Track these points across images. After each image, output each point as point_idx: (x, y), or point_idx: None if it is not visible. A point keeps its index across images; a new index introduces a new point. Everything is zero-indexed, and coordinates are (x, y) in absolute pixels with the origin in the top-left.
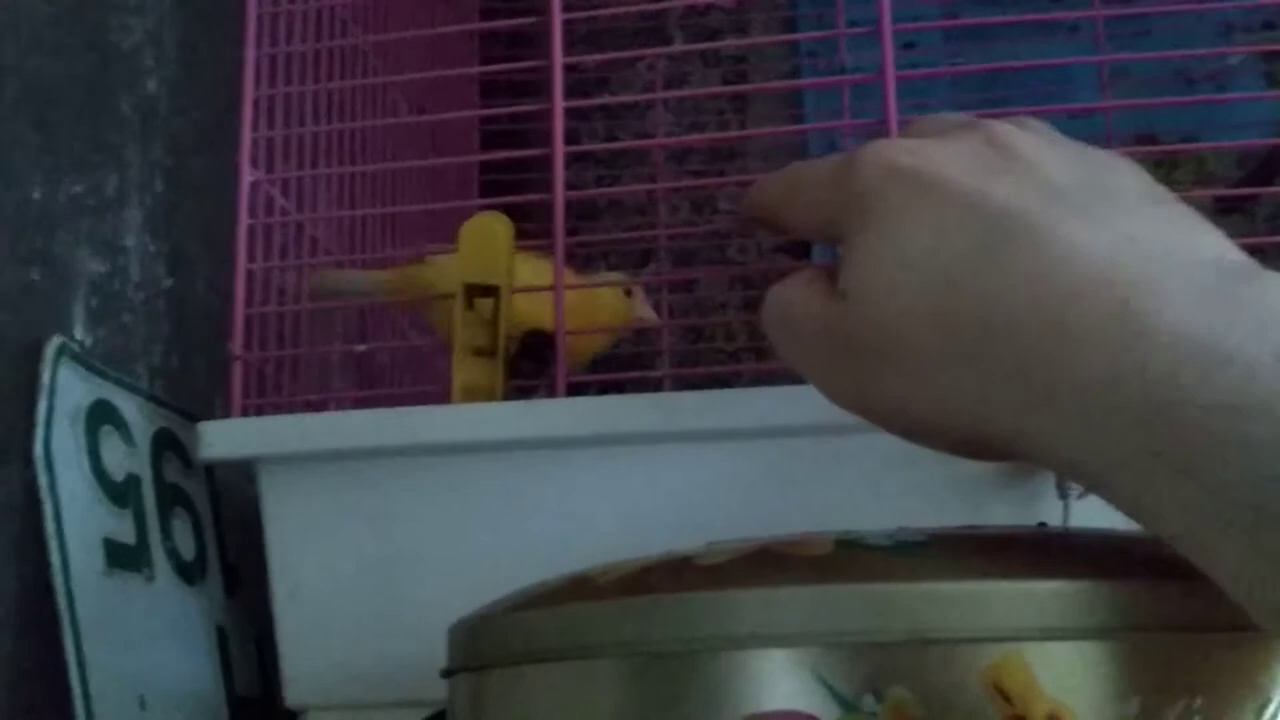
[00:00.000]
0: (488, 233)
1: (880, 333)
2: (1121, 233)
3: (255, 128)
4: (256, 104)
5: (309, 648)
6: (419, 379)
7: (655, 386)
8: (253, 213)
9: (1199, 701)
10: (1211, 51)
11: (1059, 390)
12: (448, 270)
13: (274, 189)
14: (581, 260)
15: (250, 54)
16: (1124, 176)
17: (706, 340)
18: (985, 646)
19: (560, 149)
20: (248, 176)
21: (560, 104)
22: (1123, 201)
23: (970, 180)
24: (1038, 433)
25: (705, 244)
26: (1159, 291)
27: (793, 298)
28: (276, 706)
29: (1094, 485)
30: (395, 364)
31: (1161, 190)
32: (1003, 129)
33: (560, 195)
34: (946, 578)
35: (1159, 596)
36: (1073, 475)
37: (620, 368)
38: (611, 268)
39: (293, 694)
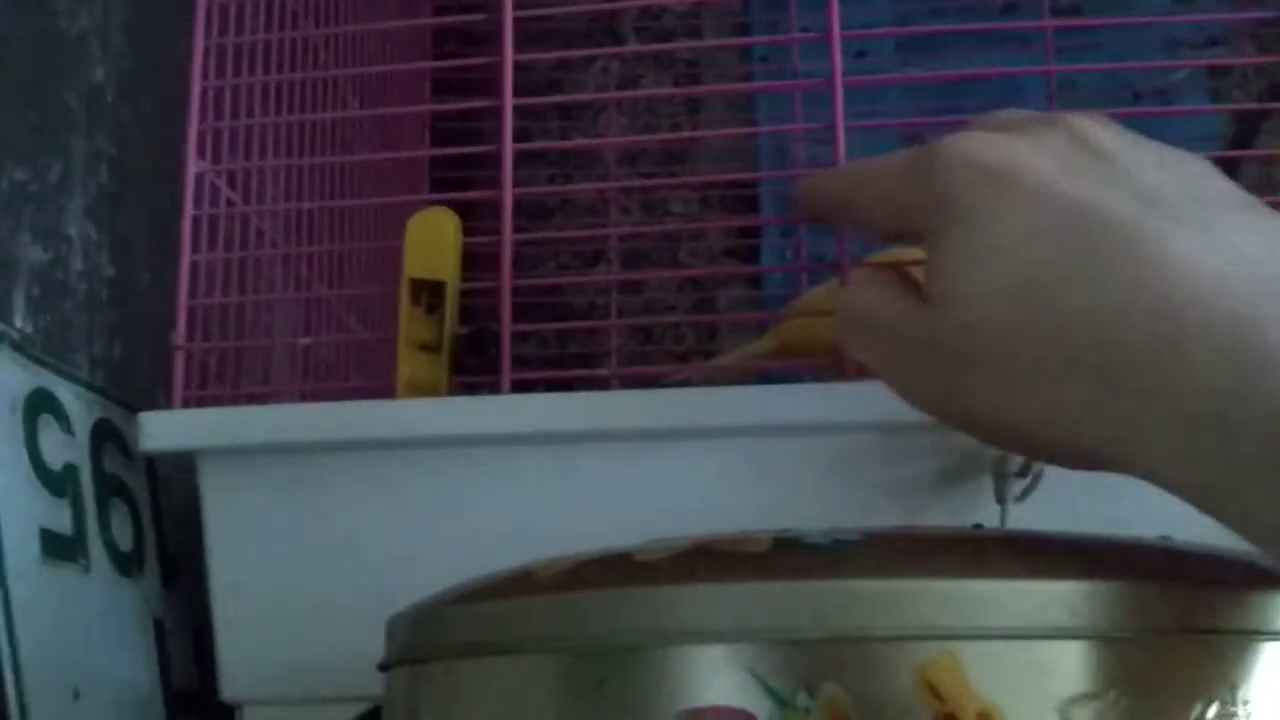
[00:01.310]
0: (435, 228)
1: (968, 339)
2: (1222, 240)
3: (202, 118)
4: (204, 95)
5: (247, 641)
6: (365, 373)
7: (604, 386)
8: (198, 204)
9: (1126, 701)
10: (1157, 64)
11: (1167, 404)
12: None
13: (220, 180)
14: (531, 260)
15: (198, 44)
16: (1212, 179)
17: (655, 342)
18: (917, 645)
19: (509, 146)
20: (193, 167)
21: (510, 101)
22: (1216, 206)
23: (1063, 182)
24: (1139, 446)
25: (656, 246)
26: (1265, 301)
27: (871, 300)
28: (214, 700)
29: (1200, 499)
30: (341, 358)
31: (1247, 194)
32: (1085, 126)
33: (509, 193)
34: (880, 576)
35: (1091, 597)
36: (1176, 488)
37: (569, 367)
38: (563, 267)
39: (230, 688)
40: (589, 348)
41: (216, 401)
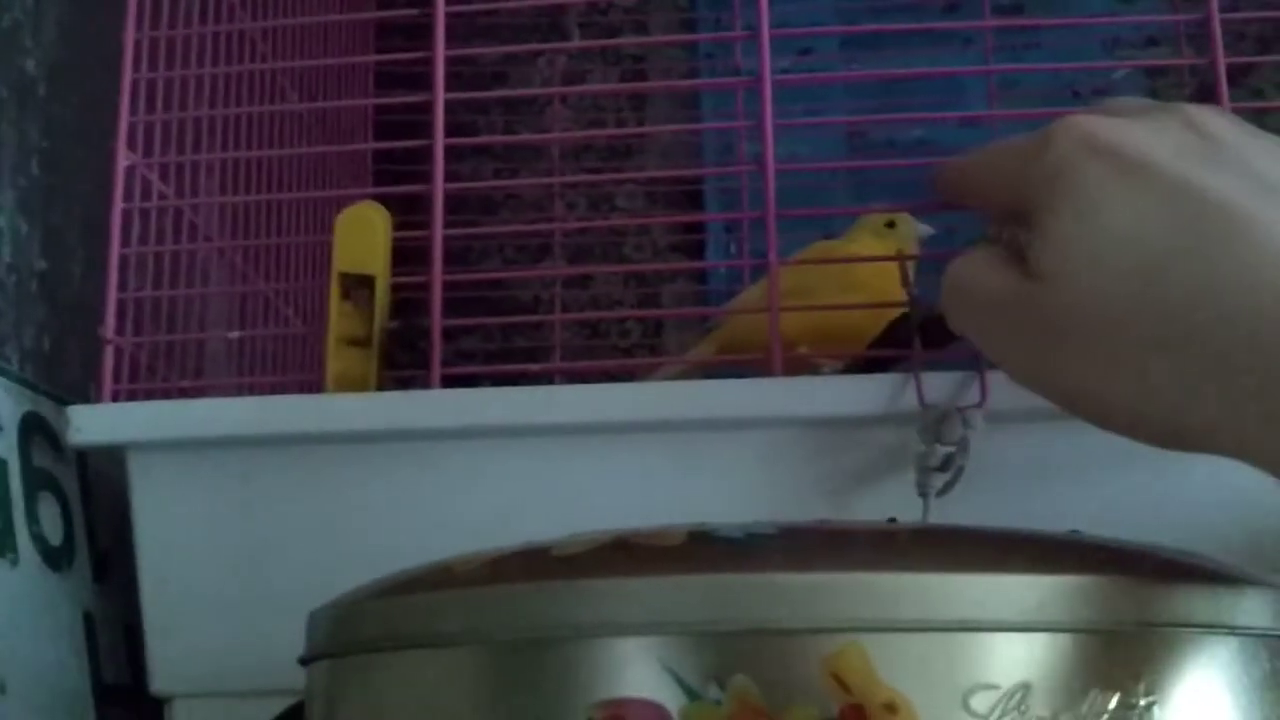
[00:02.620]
0: (364, 222)
1: (1075, 314)
2: None
3: (134, 111)
4: (136, 87)
5: (176, 635)
6: (305, 368)
7: (548, 381)
8: (128, 197)
9: (1036, 693)
10: (1097, 65)
11: (1271, 387)
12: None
13: (152, 173)
14: (478, 254)
15: (129, 36)
16: None
17: (601, 336)
18: (825, 637)
19: (440, 141)
20: (123, 160)
21: (441, 96)
22: None
23: (1179, 165)
24: (1244, 427)
25: (601, 241)
26: None
27: (976, 274)
28: (145, 695)
29: None
30: (280, 353)
31: None
32: (1201, 114)
33: (439, 187)
34: (789, 569)
35: (995, 589)
36: (1276, 470)
37: (516, 362)
38: (509, 262)
39: (158, 682)
40: (535, 342)
41: (148, 395)
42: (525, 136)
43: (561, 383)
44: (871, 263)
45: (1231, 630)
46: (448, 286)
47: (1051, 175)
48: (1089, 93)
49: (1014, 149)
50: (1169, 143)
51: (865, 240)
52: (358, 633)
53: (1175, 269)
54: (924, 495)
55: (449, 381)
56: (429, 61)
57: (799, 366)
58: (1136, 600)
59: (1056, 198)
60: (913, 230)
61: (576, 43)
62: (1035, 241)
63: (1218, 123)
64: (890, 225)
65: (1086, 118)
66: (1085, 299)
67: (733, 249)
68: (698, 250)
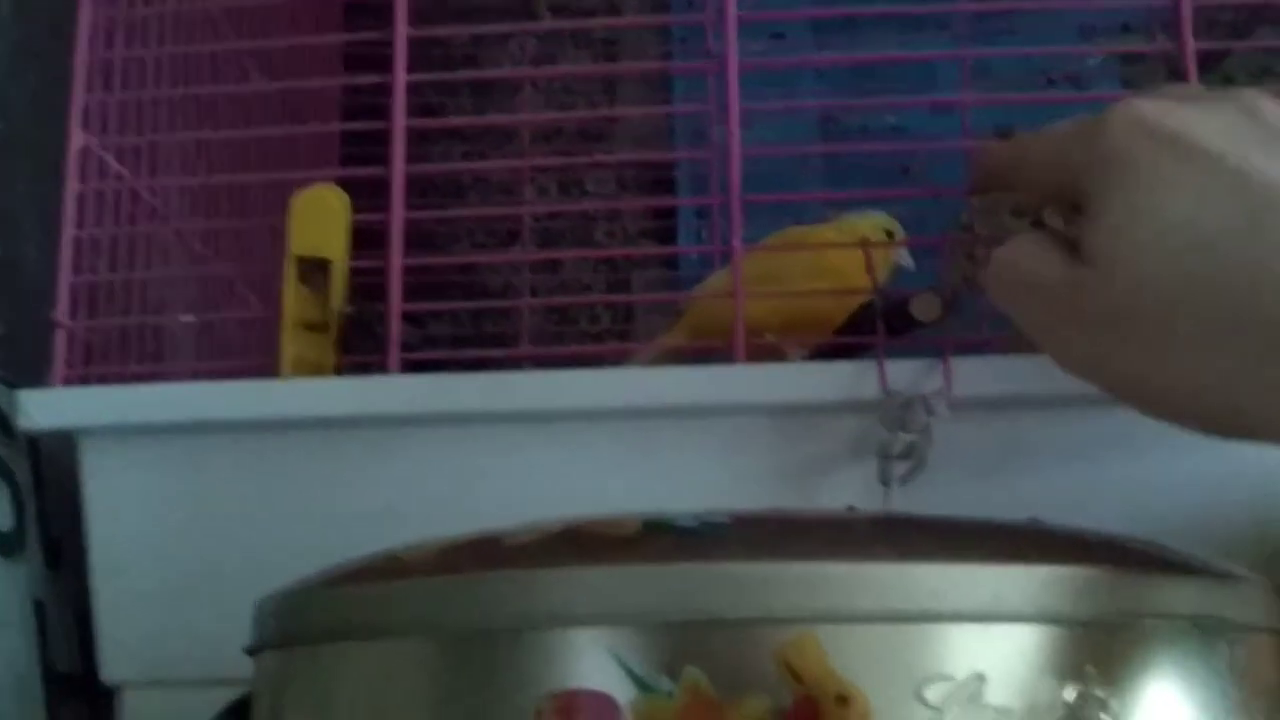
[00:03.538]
0: (321, 205)
1: (1128, 301)
2: None
3: (90, 91)
4: (92, 67)
5: (127, 623)
6: (268, 354)
7: (514, 367)
8: (84, 178)
9: (991, 684)
10: (1072, 50)
11: None
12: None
13: (108, 155)
14: (445, 239)
15: (84, 16)
16: None
17: (571, 323)
18: (778, 627)
19: (401, 122)
20: (78, 141)
21: (402, 78)
22: None
23: (1236, 150)
24: None
25: (572, 226)
26: None
27: (1025, 260)
28: (96, 684)
29: None
30: (244, 338)
31: None
32: (1256, 101)
33: (400, 170)
34: (742, 559)
35: (951, 579)
36: None
37: (485, 348)
38: (477, 245)
39: (109, 670)
40: (504, 328)
41: (103, 380)
42: (490, 119)
43: (529, 369)
44: (841, 250)
45: (1192, 621)
46: (416, 271)
47: (1106, 160)
48: (1062, 80)
49: (1066, 133)
50: (1225, 128)
51: (846, 229)
52: (305, 623)
53: (1232, 254)
54: (886, 483)
55: (409, 367)
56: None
57: (765, 353)
58: (1095, 590)
59: (1111, 182)
60: (890, 230)
61: (547, 23)
62: (1088, 226)
63: (1274, 108)
64: (889, 234)
65: (1142, 101)
66: (1140, 285)
67: (704, 235)
68: (669, 237)
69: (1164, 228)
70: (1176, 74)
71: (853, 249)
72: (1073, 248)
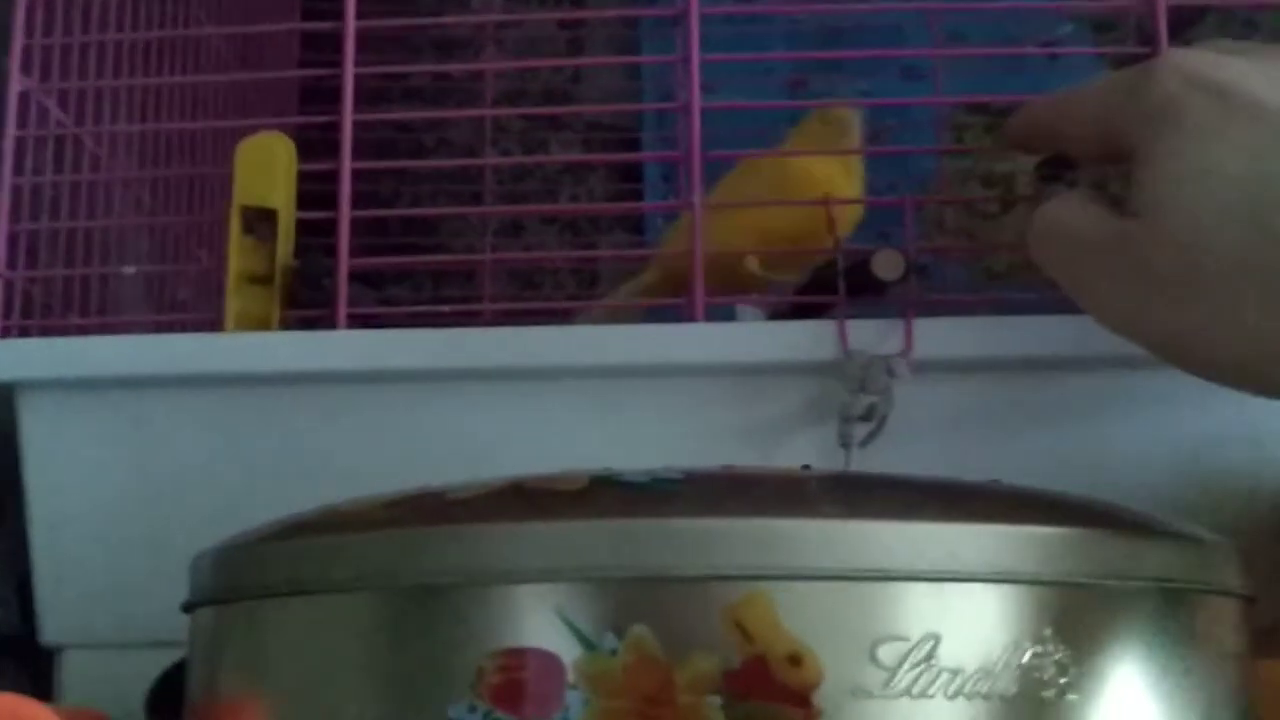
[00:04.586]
0: (265, 153)
1: (1177, 253)
2: None
3: (30, 34)
4: (33, 8)
5: (67, 583)
6: (218, 308)
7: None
8: (23, 124)
9: (946, 645)
10: (1046, 5)
11: None
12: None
13: (50, 100)
14: (408, 200)
15: None
16: None
17: (535, 287)
18: (727, 585)
19: (350, 72)
20: (17, 85)
21: (352, 25)
22: None
23: None
24: None
25: (536, 189)
26: None
27: (1068, 216)
28: (37, 646)
29: None
30: (195, 293)
31: None
32: None
33: (348, 120)
34: (690, 515)
35: (904, 538)
36: None
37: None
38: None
39: (49, 631)
40: (466, 292)
41: (44, 333)
42: (447, 67)
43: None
44: (806, 159)
45: (1152, 582)
46: (375, 233)
47: (1154, 112)
48: (1035, 45)
49: (1109, 89)
50: (1275, 78)
51: (801, 142)
52: (242, 578)
53: None
54: (846, 445)
55: (360, 324)
56: None
57: (746, 280)
58: (1052, 550)
59: (1160, 135)
60: (845, 122)
61: None
62: (1138, 181)
63: None
64: (824, 121)
65: (1189, 52)
66: (1189, 239)
67: (671, 199)
68: (636, 200)
69: (1215, 181)
70: (1147, 36)
71: (821, 159)
72: (1115, 204)
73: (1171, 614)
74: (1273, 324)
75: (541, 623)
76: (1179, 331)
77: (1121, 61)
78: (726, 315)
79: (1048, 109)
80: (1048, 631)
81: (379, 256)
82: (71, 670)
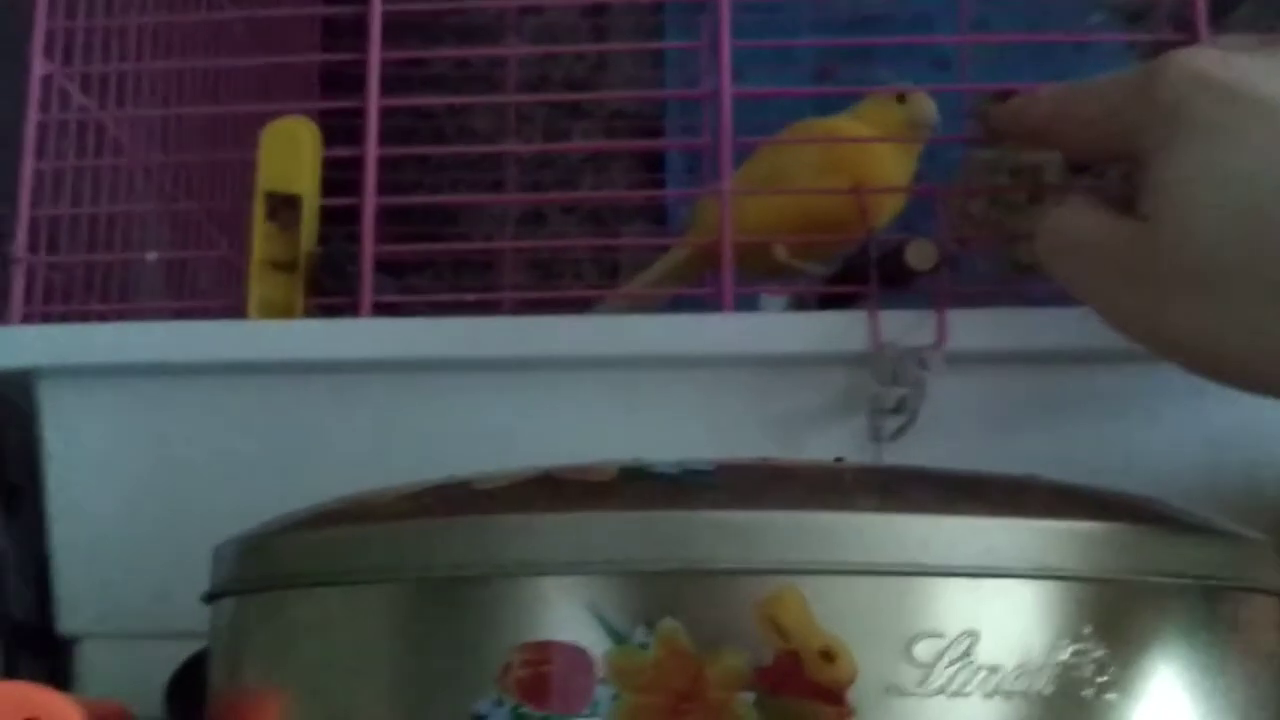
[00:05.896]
0: (290, 138)
1: (1191, 256)
2: None
3: (53, 17)
4: None
5: (86, 572)
6: (240, 295)
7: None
8: (45, 108)
9: (984, 642)
10: None
11: None
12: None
13: (72, 84)
14: (428, 189)
15: None
16: None
17: (556, 277)
18: (760, 579)
19: (376, 57)
20: (39, 69)
21: (379, 7)
22: None
23: None
24: None
25: (558, 178)
26: None
27: (1078, 221)
28: (55, 635)
29: None
30: (217, 279)
31: None
32: None
33: (374, 105)
34: (723, 508)
35: (945, 533)
36: None
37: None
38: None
39: (67, 621)
40: (486, 281)
41: (64, 319)
42: (471, 51)
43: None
44: (854, 143)
45: (1193, 580)
46: (396, 221)
47: (1163, 112)
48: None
49: (1115, 88)
50: None
51: (868, 115)
52: (265, 568)
53: None
54: (877, 439)
55: (383, 312)
56: None
57: (773, 265)
58: (1093, 546)
59: (1170, 136)
60: (925, 112)
61: None
62: (1147, 182)
63: None
64: (901, 100)
65: (1197, 51)
66: (1199, 241)
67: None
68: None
69: (1225, 182)
70: (1184, 25)
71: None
72: (1123, 205)
73: (1212, 612)
74: (1276, 325)
75: (571, 616)
76: (1189, 334)
77: (1155, 50)
78: (753, 303)
79: (1055, 102)
80: (1087, 629)
81: (400, 244)
82: (89, 661)
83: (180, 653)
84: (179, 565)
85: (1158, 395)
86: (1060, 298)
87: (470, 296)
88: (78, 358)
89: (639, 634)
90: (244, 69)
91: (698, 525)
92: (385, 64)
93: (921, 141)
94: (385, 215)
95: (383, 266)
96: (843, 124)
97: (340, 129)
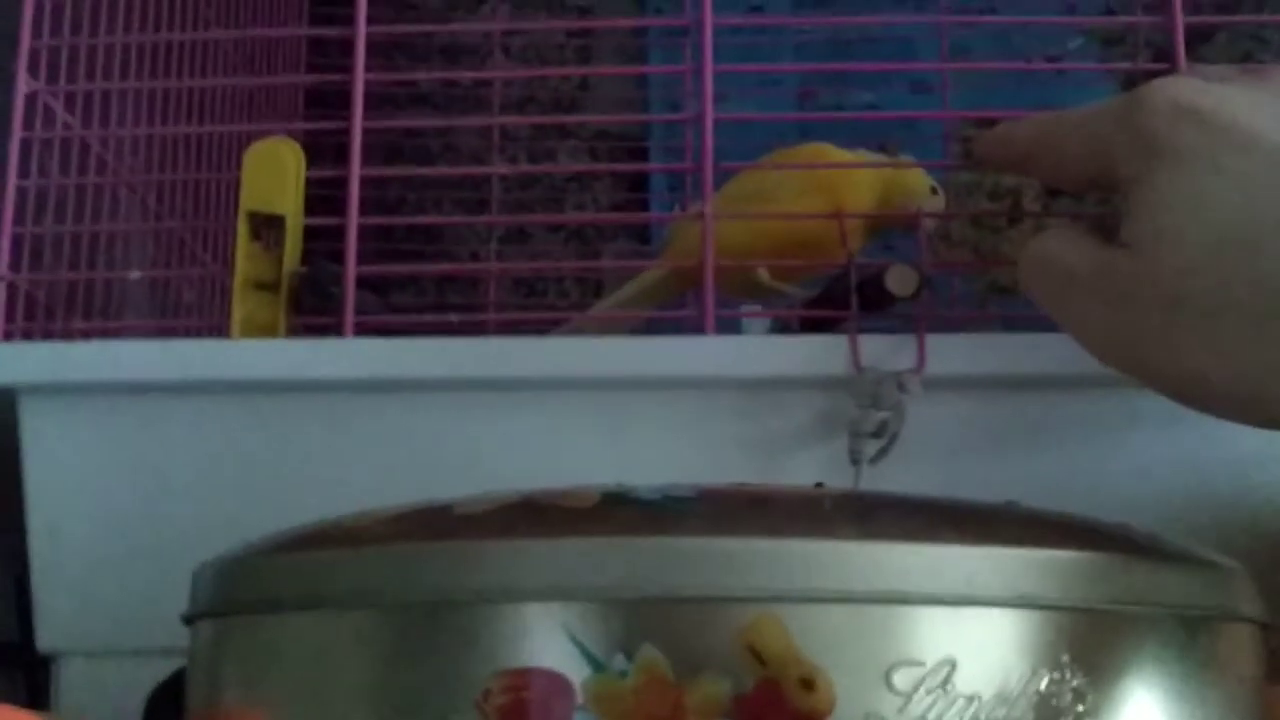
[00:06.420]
0: (274, 159)
1: (1170, 284)
2: None
3: (38, 35)
4: (41, 9)
5: (66, 590)
6: (224, 314)
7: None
8: (29, 126)
9: (962, 670)
10: (1058, 20)
11: None
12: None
13: (56, 102)
14: (413, 207)
15: None
16: None
17: (539, 295)
18: (740, 606)
19: (360, 78)
20: (24, 87)
21: (363, 31)
22: None
23: (1275, 131)
24: None
25: (542, 198)
26: None
27: (1060, 248)
28: (34, 652)
29: None
30: (200, 299)
31: None
32: None
33: (358, 127)
34: (703, 534)
35: (925, 561)
36: None
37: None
38: (447, 215)
39: (46, 638)
40: (470, 299)
41: (48, 337)
42: (454, 74)
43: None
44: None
45: (1170, 609)
46: (380, 239)
47: (1142, 141)
48: (1042, 60)
49: (1097, 117)
50: (1265, 107)
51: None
52: (244, 591)
53: (1276, 240)
54: (856, 462)
55: (366, 332)
56: None
57: (753, 285)
58: (1072, 575)
59: (1148, 165)
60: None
61: None
62: (1129, 212)
63: None
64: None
65: (1177, 79)
66: (1178, 270)
67: (677, 208)
68: (641, 209)
69: (1204, 212)
70: (1162, 56)
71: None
72: (1104, 234)
73: (1190, 640)
74: (1262, 356)
75: (550, 642)
76: (1168, 361)
77: (1133, 77)
78: (734, 326)
79: (1035, 129)
80: (1065, 658)
81: (385, 262)
82: (68, 678)
83: (160, 671)
84: (159, 583)
85: (1136, 421)
86: (1040, 322)
87: (454, 317)
88: (60, 376)
89: (618, 661)
90: (229, 88)
91: (678, 552)
92: (371, 83)
93: (863, 165)
94: (370, 233)
95: (367, 284)
96: (829, 152)
97: (327, 147)
